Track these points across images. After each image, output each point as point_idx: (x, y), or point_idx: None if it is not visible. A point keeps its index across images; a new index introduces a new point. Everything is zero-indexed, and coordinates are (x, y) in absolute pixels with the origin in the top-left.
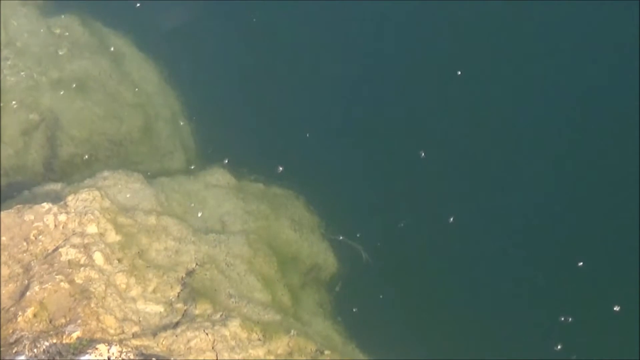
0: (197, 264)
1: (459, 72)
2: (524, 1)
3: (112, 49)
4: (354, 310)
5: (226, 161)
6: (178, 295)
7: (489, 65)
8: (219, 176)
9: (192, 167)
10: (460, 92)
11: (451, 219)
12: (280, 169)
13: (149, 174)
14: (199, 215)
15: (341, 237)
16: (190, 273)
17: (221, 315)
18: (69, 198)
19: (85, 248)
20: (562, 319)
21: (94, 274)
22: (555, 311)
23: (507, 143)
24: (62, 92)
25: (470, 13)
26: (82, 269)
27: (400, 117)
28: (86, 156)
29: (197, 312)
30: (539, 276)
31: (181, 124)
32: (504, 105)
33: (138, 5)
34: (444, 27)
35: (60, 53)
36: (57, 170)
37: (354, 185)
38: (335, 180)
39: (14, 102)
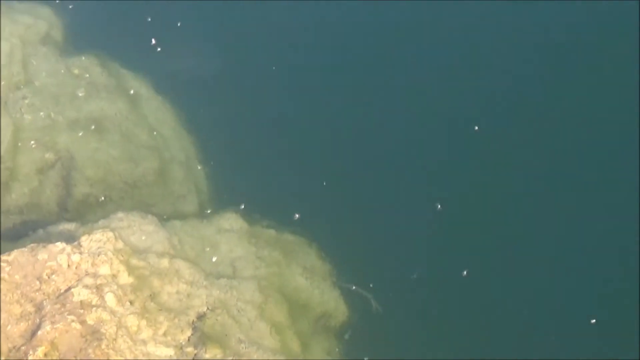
0: (208, 308)
1: (476, 128)
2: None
3: (132, 91)
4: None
5: (242, 207)
6: (188, 339)
7: (506, 120)
8: (232, 221)
9: (209, 211)
10: (477, 146)
11: (465, 273)
12: (297, 216)
13: (164, 217)
14: (214, 260)
15: (354, 287)
16: (201, 317)
17: None
18: (83, 238)
19: (98, 289)
20: None
21: (105, 315)
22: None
23: (523, 197)
24: (78, 132)
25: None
26: (94, 309)
27: (418, 168)
28: (102, 198)
29: (207, 356)
30: (551, 333)
31: (196, 168)
32: (521, 161)
33: (159, 49)
34: (462, 80)
35: (78, 93)
36: (71, 210)
37: (368, 235)
38: (349, 229)
39: (32, 142)
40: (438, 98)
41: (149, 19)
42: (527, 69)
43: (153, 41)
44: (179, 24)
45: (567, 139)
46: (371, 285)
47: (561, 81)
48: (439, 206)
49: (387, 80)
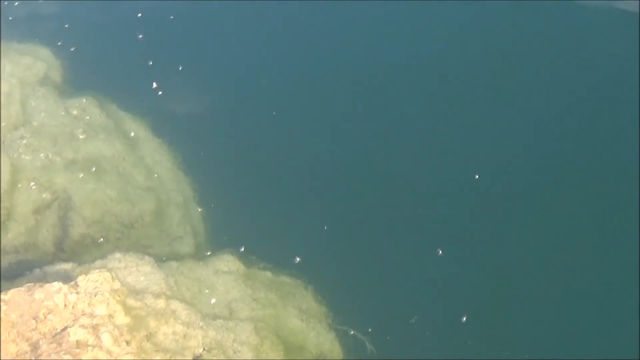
0: (204, 349)
1: (477, 177)
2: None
3: (132, 134)
4: None
5: (242, 249)
6: None
7: (508, 168)
8: (229, 263)
9: (208, 253)
10: (478, 193)
11: (464, 319)
12: (298, 259)
13: (161, 258)
14: (212, 302)
15: (352, 332)
16: (197, 358)
17: None
18: (80, 278)
19: (94, 329)
20: None
21: (102, 355)
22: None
23: (528, 242)
24: (76, 173)
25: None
26: (90, 349)
27: (419, 213)
28: (101, 239)
29: None
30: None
31: (193, 209)
32: (527, 208)
33: (160, 93)
34: (463, 126)
35: (77, 134)
36: (68, 250)
37: (366, 278)
38: (346, 272)
39: (32, 184)
40: (440, 146)
41: (150, 63)
42: (527, 120)
43: (154, 85)
44: (180, 68)
45: (570, 185)
46: (370, 330)
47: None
48: (440, 252)
49: (389, 125)
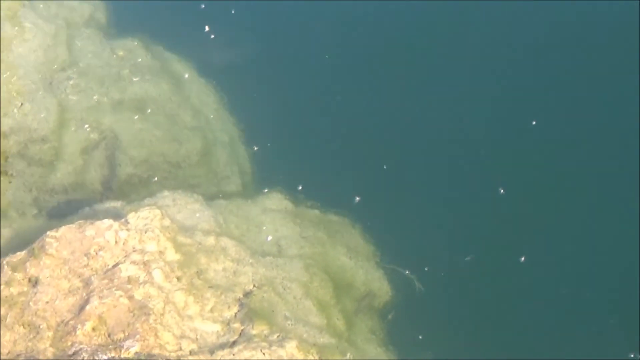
0: (254, 286)
1: (502, 190)
2: None
3: (186, 75)
4: (420, 337)
5: (300, 187)
6: (235, 315)
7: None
8: (277, 201)
9: (266, 190)
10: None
11: (522, 259)
12: (357, 199)
13: (208, 197)
14: (269, 239)
15: (407, 272)
16: (247, 294)
17: (278, 337)
18: (130, 215)
19: (145, 265)
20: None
21: (153, 291)
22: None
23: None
24: (122, 113)
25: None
26: (141, 285)
27: (482, 152)
28: (155, 178)
29: (254, 332)
30: (613, 319)
31: (239, 149)
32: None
33: (212, 37)
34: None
35: (123, 74)
36: (115, 189)
37: (417, 217)
38: (395, 211)
39: (86, 126)
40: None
41: (203, 6)
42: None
43: (206, 28)
44: (233, 11)
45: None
46: (426, 269)
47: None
48: (502, 190)
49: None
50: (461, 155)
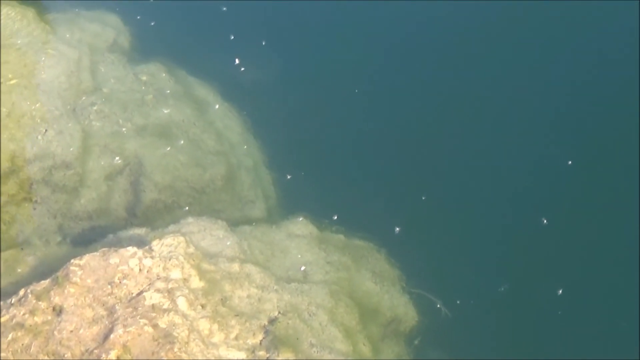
0: (279, 312)
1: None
2: None
3: (217, 106)
4: None
5: (335, 217)
6: (260, 343)
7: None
8: (301, 226)
9: (300, 219)
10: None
11: (560, 291)
12: (397, 229)
13: (232, 222)
14: (302, 269)
15: (439, 304)
16: (272, 321)
17: None
18: (154, 243)
19: (170, 293)
20: None
21: (177, 319)
22: None
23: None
24: (146, 139)
25: None
26: (165, 313)
27: (524, 180)
28: (186, 208)
29: (279, 359)
30: None
31: (263, 173)
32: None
33: (242, 69)
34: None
35: (146, 100)
36: (140, 215)
37: (456, 245)
38: (419, 236)
39: (117, 158)
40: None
41: (232, 37)
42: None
43: (237, 61)
44: (263, 43)
45: None
46: (458, 301)
47: None
48: (545, 221)
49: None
50: (506, 184)
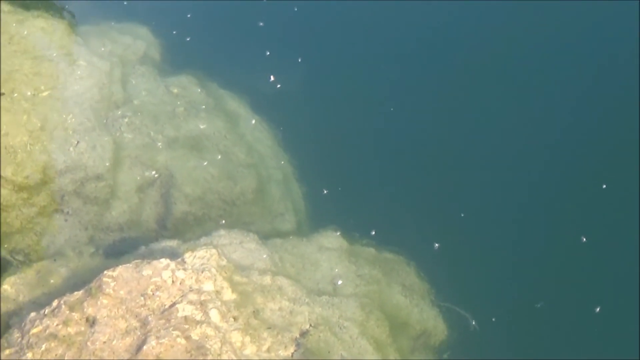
0: (310, 325)
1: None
2: None
3: (252, 121)
4: None
5: (373, 232)
6: (292, 355)
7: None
8: (332, 239)
9: (338, 233)
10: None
11: (598, 309)
12: (436, 245)
13: (262, 235)
14: (339, 283)
15: (466, 315)
16: (304, 334)
17: None
18: (187, 255)
19: (202, 305)
20: None
21: (210, 331)
22: None
23: None
24: (177, 151)
25: None
26: (198, 325)
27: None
28: (200, 214)
29: None
30: None
31: (293, 186)
32: None
33: (279, 86)
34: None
35: (176, 112)
36: (170, 228)
37: (492, 261)
38: (447, 249)
39: (154, 172)
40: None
41: (268, 53)
42: None
43: (272, 78)
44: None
45: None
46: (494, 319)
47: None
48: (584, 239)
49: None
50: (545, 202)
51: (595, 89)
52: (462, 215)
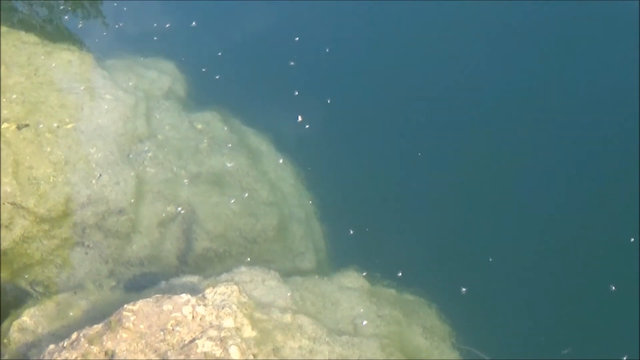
0: None
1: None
2: None
3: (280, 160)
4: None
5: (400, 274)
6: None
7: None
8: (353, 279)
9: (364, 274)
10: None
11: (625, 358)
12: (464, 290)
13: (286, 273)
14: (364, 323)
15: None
16: None
17: None
18: (207, 291)
19: (222, 341)
20: None
21: None
22: None
23: None
24: (199, 187)
25: None
26: None
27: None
28: (221, 250)
29: None
30: None
31: (315, 225)
32: None
33: (307, 127)
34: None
35: (200, 148)
36: (191, 263)
37: (519, 307)
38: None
39: (180, 208)
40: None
41: (296, 93)
42: None
43: (299, 118)
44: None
45: None
46: None
47: None
48: (613, 288)
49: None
50: (573, 251)
51: None
52: (490, 260)
